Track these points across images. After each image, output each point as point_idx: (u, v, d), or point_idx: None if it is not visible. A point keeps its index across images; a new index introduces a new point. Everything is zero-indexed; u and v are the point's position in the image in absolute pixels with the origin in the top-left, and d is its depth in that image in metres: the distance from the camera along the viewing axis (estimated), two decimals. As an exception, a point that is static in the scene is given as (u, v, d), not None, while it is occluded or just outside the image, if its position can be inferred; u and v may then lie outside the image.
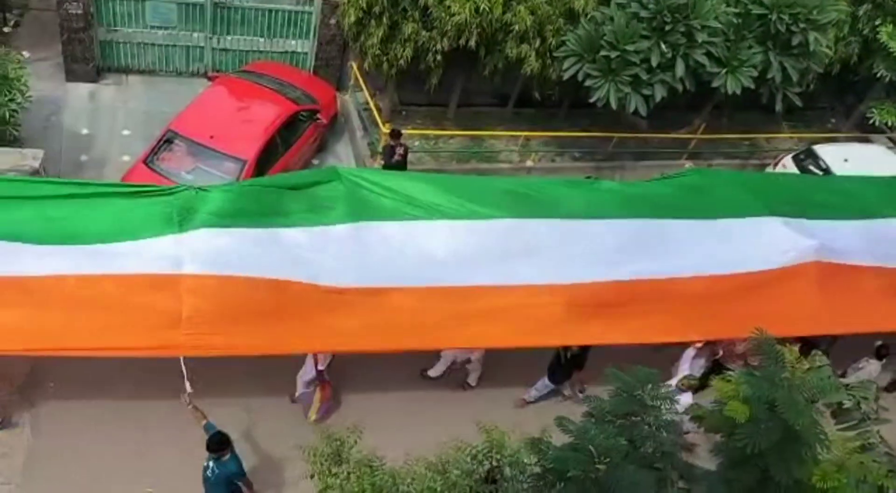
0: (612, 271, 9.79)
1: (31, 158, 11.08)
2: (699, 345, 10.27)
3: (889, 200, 11.79)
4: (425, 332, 9.23)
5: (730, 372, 10.77)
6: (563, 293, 9.59)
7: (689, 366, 10.18)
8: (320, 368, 9.61)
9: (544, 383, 10.65)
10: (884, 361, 11.16)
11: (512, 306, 9.44)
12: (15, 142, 11.73)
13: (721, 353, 10.74)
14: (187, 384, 8.31)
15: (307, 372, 9.84)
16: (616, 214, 10.40)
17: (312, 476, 6.40)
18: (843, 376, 10.88)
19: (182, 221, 8.96)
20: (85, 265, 8.51)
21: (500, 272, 9.54)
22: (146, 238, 8.80)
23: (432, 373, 10.75)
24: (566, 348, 10.16)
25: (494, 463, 6.20)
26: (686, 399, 8.95)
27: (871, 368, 11.16)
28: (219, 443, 7.98)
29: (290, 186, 9.89)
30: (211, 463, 8.08)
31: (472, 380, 10.82)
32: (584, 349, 10.15)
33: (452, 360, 10.60)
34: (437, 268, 9.44)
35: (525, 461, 6.15)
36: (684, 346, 10.36)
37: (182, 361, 8.38)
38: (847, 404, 6.25)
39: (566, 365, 10.35)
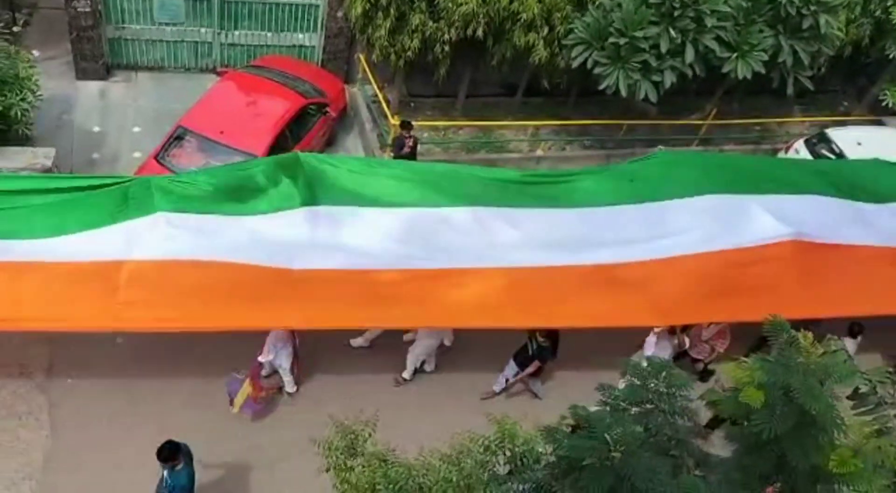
0: (575, 257, 9.88)
1: (43, 156, 11.17)
2: (657, 330, 10.21)
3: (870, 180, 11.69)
4: (369, 308, 9.39)
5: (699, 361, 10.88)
6: (515, 276, 9.67)
7: (653, 353, 10.08)
8: (260, 359, 9.53)
9: (511, 368, 10.61)
10: (858, 339, 11.02)
11: (469, 288, 9.54)
12: (27, 141, 11.81)
13: (688, 344, 10.74)
14: None
15: (274, 352, 9.75)
16: (581, 203, 10.49)
17: (328, 470, 6.43)
18: None
19: (139, 206, 9.28)
20: (42, 256, 8.90)
21: (460, 256, 9.67)
22: (100, 227, 9.14)
23: (427, 368, 10.84)
24: (534, 339, 10.16)
25: (508, 453, 6.21)
26: None
27: (846, 347, 11.04)
28: (169, 452, 7.90)
29: (248, 172, 10.03)
30: (165, 472, 8.06)
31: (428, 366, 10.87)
32: (554, 344, 10.16)
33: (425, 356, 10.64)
34: (392, 251, 9.57)
35: (539, 449, 6.16)
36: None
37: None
38: (863, 388, 6.21)
39: (532, 355, 10.35)
